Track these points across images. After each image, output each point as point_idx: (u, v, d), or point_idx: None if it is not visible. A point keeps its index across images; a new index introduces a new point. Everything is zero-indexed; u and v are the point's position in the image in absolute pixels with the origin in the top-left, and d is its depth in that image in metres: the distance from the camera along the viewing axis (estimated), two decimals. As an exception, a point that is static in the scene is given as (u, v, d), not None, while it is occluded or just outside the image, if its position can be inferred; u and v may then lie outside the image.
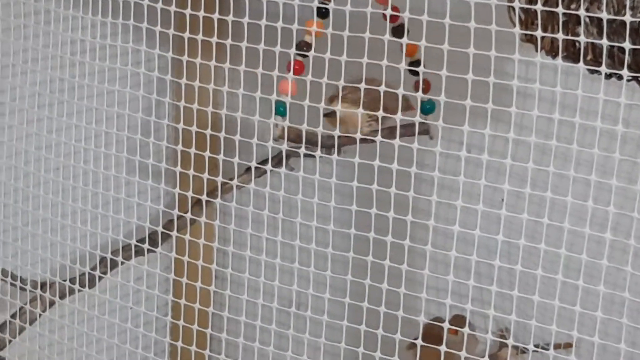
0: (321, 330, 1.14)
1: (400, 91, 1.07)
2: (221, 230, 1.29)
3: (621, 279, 0.97)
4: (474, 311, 1.06)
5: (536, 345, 1.16)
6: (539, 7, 0.97)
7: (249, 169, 1.36)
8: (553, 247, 1.00)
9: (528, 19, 1.02)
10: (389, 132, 1.11)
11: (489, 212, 1.02)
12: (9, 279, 1.42)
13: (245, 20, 1.11)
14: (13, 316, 1.42)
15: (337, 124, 1.24)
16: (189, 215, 1.29)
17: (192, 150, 1.18)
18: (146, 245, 1.37)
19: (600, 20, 0.95)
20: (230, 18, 1.12)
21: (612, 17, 0.94)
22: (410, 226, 1.05)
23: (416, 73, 1.18)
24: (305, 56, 1.21)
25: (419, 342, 1.09)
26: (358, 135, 1.15)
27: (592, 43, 0.98)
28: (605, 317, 0.98)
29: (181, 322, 1.24)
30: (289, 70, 1.18)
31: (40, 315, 1.42)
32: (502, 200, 1.02)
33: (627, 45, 0.93)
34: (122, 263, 1.36)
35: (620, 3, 0.95)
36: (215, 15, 1.13)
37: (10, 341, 1.42)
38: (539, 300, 1.01)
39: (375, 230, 1.07)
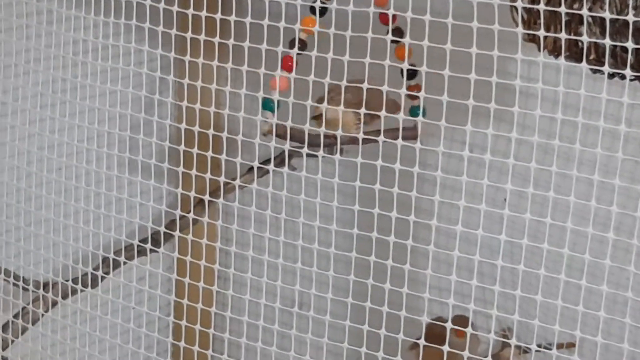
0: (324, 330, 1.14)
1: (385, 88, 1.07)
2: (223, 230, 1.29)
3: (624, 279, 0.97)
4: (476, 311, 1.06)
5: (539, 345, 1.16)
6: (541, 6, 0.97)
7: (251, 168, 1.35)
8: (556, 246, 0.99)
9: (531, 19, 1.02)
10: (375, 135, 1.12)
11: (492, 211, 1.02)
12: (11, 279, 1.42)
13: (248, 20, 1.11)
14: (16, 316, 1.42)
15: (324, 125, 1.23)
16: (191, 215, 1.29)
17: (195, 150, 1.18)
18: (148, 245, 1.37)
19: (603, 19, 0.95)
20: (232, 18, 1.12)
21: (615, 16, 0.94)
22: (412, 226, 1.05)
23: (410, 76, 1.19)
24: (299, 53, 1.21)
25: (422, 342, 1.09)
26: (339, 133, 1.15)
27: (595, 43, 0.98)
28: (608, 317, 0.97)
29: (184, 322, 1.24)
30: (282, 67, 1.19)
31: (42, 315, 1.42)
32: (505, 200, 1.02)
33: (629, 44, 0.93)
34: (125, 263, 1.36)
35: (623, 2, 0.95)
36: (218, 15, 1.13)
37: (12, 341, 1.42)
38: (542, 299, 1.01)
39: (377, 230, 1.07)
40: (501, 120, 1.00)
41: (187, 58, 1.16)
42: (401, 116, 1.10)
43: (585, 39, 0.97)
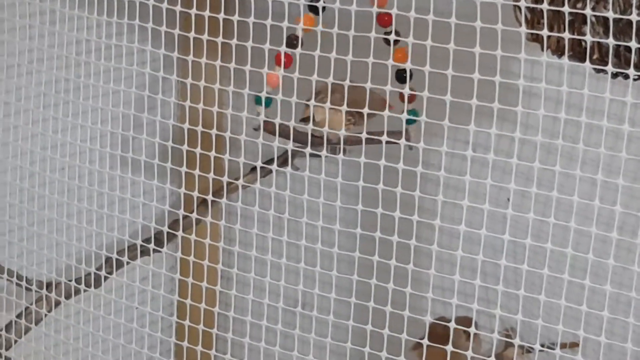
0: (327, 330, 1.14)
1: (369, 85, 1.07)
2: (227, 230, 1.29)
3: (627, 278, 0.97)
4: (479, 311, 1.06)
5: (542, 345, 1.16)
6: (545, 6, 0.97)
7: (254, 168, 1.35)
8: (559, 246, 0.99)
9: (534, 18, 1.02)
10: (366, 138, 1.12)
11: (495, 211, 1.02)
12: (14, 279, 1.42)
13: (251, 20, 1.11)
14: (18, 316, 1.42)
15: (314, 126, 1.23)
16: (194, 215, 1.29)
17: (198, 150, 1.18)
18: (152, 245, 1.37)
19: (606, 19, 0.95)
20: (235, 18, 1.12)
21: (618, 16, 0.94)
22: (416, 226, 1.05)
23: (403, 81, 1.19)
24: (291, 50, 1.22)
25: (425, 341, 1.09)
26: (325, 130, 1.15)
27: (599, 42, 0.98)
28: (611, 317, 0.98)
29: (187, 322, 1.24)
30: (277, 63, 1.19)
31: (45, 315, 1.42)
32: (508, 199, 1.02)
33: (633, 44, 0.93)
34: (128, 263, 1.36)
35: (627, 2, 0.95)
36: (221, 15, 1.13)
37: (15, 341, 1.42)
38: (545, 299, 1.01)
39: (381, 230, 1.07)
40: (504, 119, 1.00)
41: (190, 58, 1.16)
42: (386, 114, 1.10)
43: (588, 38, 0.97)
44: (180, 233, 1.28)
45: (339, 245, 1.11)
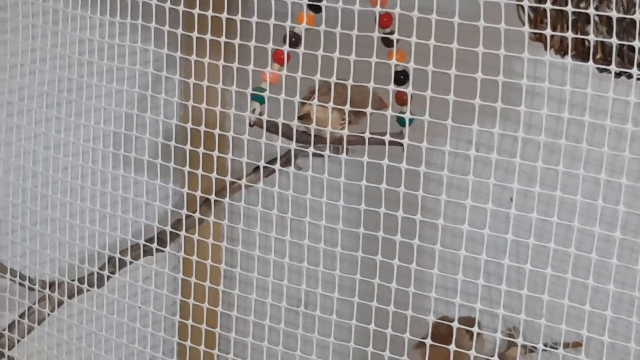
0: (330, 329, 1.14)
1: (371, 85, 1.07)
2: (229, 229, 1.29)
3: (630, 278, 0.97)
4: (482, 310, 1.06)
5: (545, 344, 1.16)
6: (548, 5, 0.97)
7: (257, 168, 1.36)
8: (562, 245, 0.99)
9: (537, 18, 1.02)
10: (361, 138, 1.12)
11: (498, 211, 1.02)
12: (17, 279, 1.42)
13: (254, 20, 1.11)
14: (22, 316, 1.42)
15: (314, 124, 1.23)
16: (197, 215, 1.29)
17: (201, 150, 1.18)
18: (154, 245, 1.37)
19: (609, 18, 0.95)
20: (238, 17, 1.12)
21: (621, 15, 0.94)
22: (419, 225, 1.05)
23: (401, 82, 1.19)
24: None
25: (428, 341, 1.09)
26: (313, 126, 1.15)
27: (602, 42, 0.98)
28: (615, 316, 0.97)
29: (189, 322, 1.24)
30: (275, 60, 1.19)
31: (48, 315, 1.42)
32: (511, 199, 1.02)
33: (637, 43, 0.93)
34: (131, 262, 1.36)
35: (630, 1, 0.95)
36: (224, 15, 1.13)
37: (19, 341, 1.42)
38: (548, 299, 1.01)
39: (384, 230, 1.07)
40: (507, 119, 1.00)
41: (193, 58, 1.16)
42: (383, 112, 1.10)
43: (591, 38, 0.96)
44: (183, 233, 1.27)
45: (342, 245, 1.11)
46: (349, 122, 1.21)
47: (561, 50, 1.02)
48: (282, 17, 1.11)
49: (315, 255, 1.14)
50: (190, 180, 1.21)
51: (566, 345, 1.17)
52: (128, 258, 1.35)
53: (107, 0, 1.24)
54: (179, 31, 1.17)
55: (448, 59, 1.00)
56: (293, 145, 1.23)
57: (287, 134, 1.20)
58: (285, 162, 1.31)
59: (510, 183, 1.01)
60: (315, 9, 1.20)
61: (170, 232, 1.30)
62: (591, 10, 0.96)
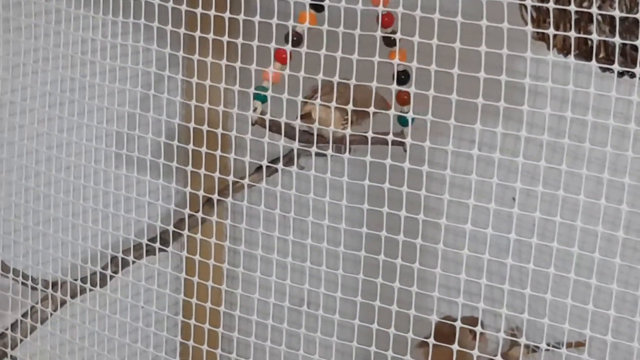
0: (332, 329, 1.14)
1: (374, 84, 1.07)
2: (232, 229, 1.29)
3: (633, 277, 0.97)
4: (485, 310, 1.06)
5: (548, 344, 1.16)
6: (551, 5, 0.97)
7: (259, 167, 1.36)
8: (564, 245, 0.99)
9: (540, 17, 1.02)
10: (363, 138, 1.12)
11: (500, 210, 1.02)
12: (20, 279, 1.42)
13: (256, 19, 1.11)
14: (24, 315, 1.42)
15: (317, 123, 1.23)
16: (200, 214, 1.29)
17: (203, 149, 1.18)
18: (157, 244, 1.37)
19: (612, 18, 0.95)
20: (241, 17, 1.12)
21: (624, 14, 0.94)
22: (421, 225, 1.05)
23: (402, 82, 1.19)
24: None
25: (431, 340, 1.09)
26: (315, 125, 1.15)
27: (605, 41, 0.98)
28: (617, 316, 0.97)
29: (192, 321, 1.24)
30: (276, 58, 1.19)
31: (51, 314, 1.42)
32: (514, 199, 1.02)
33: (639, 43, 0.93)
34: (133, 262, 1.36)
35: (633, 1, 0.95)
36: (226, 15, 1.13)
37: (21, 340, 1.42)
38: (551, 298, 1.01)
39: (386, 229, 1.07)
40: (510, 118, 1.00)
41: (196, 57, 1.16)
42: (386, 112, 1.10)
43: (594, 37, 0.96)
44: (185, 232, 1.27)
45: (345, 244, 1.11)
46: (352, 123, 1.21)
47: (564, 50, 1.02)
48: (284, 17, 1.11)
49: (317, 254, 1.14)
50: (193, 180, 1.21)
51: (569, 345, 1.17)
52: (131, 257, 1.35)
53: (110, -1, 1.25)
54: (182, 31, 1.17)
55: (450, 58, 1.00)
56: (295, 145, 1.23)
57: (290, 134, 1.20)
58: (288, 161, 1.31)
59: (513, 182, 1.01)
60: (317, 8, 1.20)
61: (173, 232, 1.30)
62: (594, 10, 0.95)
